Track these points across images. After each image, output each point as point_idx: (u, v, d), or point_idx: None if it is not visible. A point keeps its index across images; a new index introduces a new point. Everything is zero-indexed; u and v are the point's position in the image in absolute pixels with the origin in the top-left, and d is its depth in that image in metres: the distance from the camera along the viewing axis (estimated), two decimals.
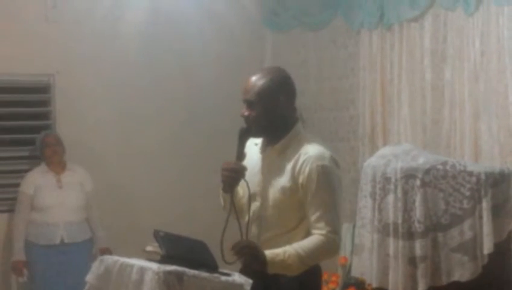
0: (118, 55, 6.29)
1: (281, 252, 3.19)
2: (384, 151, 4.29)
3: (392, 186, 3.95)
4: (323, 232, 3.18)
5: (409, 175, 3.92)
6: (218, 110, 6.32)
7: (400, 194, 3.91)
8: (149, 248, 3.52)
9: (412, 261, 3.90)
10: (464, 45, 5.55)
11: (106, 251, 5.65)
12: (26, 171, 5.98)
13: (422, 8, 5.73)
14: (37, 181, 5.78)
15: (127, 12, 6.24)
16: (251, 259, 3.22)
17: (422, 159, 3.99)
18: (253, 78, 3.32)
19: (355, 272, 4.24)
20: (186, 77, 6.33)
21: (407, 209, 3.91)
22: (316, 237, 3.20)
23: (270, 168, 3.36)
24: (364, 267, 4.14)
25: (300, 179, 3.23)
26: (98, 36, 6.21)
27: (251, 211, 3.39)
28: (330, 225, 3.17)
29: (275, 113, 3.30)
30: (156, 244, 3.47)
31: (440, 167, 3.91)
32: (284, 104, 3.32)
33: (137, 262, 3.33)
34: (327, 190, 3.20)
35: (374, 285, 4.03)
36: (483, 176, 3.84)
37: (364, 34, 6.27)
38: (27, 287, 5.79)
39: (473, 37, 5.49)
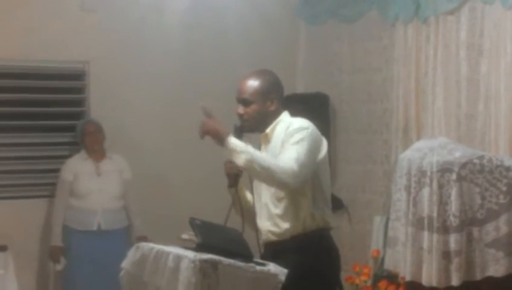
0: (154, 43, 6.30)
1: (245, 145, 3.54)
2: (420, 144, 4.26)
3: (427, 180, 3.93)
4: (288, 159, 3.50)
5: (445, 169, 3.89)
6: None
7: (435, 187, 3.88)
8: (185, 236, 3.55)
9: (446, 255, 3.87)
10: (501, 38, 5.49)
11: (143, 239, 5.69)
12: (64, 157, 6.05)
13: (459, 1, 5.68)
14: (77, 168, 5.85)
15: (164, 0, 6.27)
16: (214, 133, 3.55)
17: (459, 153, 3.96)
18: (248, 80, 3.74)
19: (388, 265, 4.22)
20: (224, 66, 6.35)
21: (443, 203, 3.88)
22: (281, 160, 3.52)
23: (268, 153, 3.69)
24: (397, 260, 4.12)
25: (284, 138, 3.61)
26: (134, 24, 6.22)
27: (261, 201, 3.72)
28: (296, 159, 3.50)
29: (267, 111, 3.72)
30: (192, 232, 3.50)
31: (477, 161, 3.88)
32: (275, 102, 3.73)
33: (173, 250, 3.37)
34: (301, 141, 3.56)
35: (407, 278, 4.01)
36: None
37: (400, 26, 6.23)
38: (63, 273, 5.83)
39: (511, 31, 5.43)
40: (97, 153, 5.92)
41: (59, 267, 5.78)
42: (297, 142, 3.57)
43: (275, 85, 3.77)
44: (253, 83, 3.72)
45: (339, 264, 3.82)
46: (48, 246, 5.88)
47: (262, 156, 3.57)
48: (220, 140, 3.53)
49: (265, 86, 3.73)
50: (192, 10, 6.38)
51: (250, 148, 3.52)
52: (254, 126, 3.75)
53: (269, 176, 3.51)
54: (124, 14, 6.20)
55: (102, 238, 5.72)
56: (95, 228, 5.80)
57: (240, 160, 3.50)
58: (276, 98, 3.75)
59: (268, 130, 3.75)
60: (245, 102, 3.72)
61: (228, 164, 3.66)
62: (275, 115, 3.75)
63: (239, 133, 3.70)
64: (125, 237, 5.90)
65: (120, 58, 6.21)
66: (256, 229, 3.77)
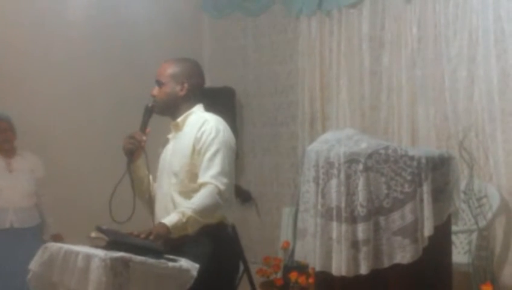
0: (58, 37, 6.16)
1: (176, 215, 3.52)
2: (327, 136, 4.30)
3: (335, 171, 3.96)
4: (209, 181, 3.59)
5: (352, 160, 3.93)
6: None
7: (343, 178, 3.92)
8: (94, 234, 3.50)
9: (354, 244, 3.91)
10: (402, 31, 5.64)
11: (58, 237, 5.57)
12: None
13: None
14: None
15: None
16: (160, 235, 3.49)
17: (365, 144, 4.01)
18: (166, 63, 3.84)
19: (299, 256, 4.24)
20: (129, 61, 6.28)
21: (350, 194, 3.92)
22: (204, 188, 3.59)
23: (176, 143, 3.78)
24: (307, 251, 4.14)
25: (198, 136, 3.67)
26: (36, 16, 6.06)
27: (164, 189, 3.75)
28: (218, 176, 3.60)
29: (177, 95, 3.77)
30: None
31: (382, 151, 3.93)
32: (188, 90, 3.78)
33: (83, 249, 3.31)
34: (215, 146, 3.64)
35: (317, 269, 4.03)
36: (423, 160, 3.88)
37: (303, 19, 6.31)
38: None
39: (411, 24, 5.58)
40: (7, 150, 5.75)
41: None
42: (217, 152, 3.64)
43: (189, 73, 3.82)
44: (168, 66, 3.81)
45: (238, 254, 4.00)
46: None
47: (193, 202, 3.57)
48: (167, 233, 3.51)
49: (179, 71, 3.80)
50: (96, 3, 6.29)
51: (181, 211, 3.53)
52: (163, 108, 3.80)
53: (209, 213, 3.60)
54: (25, 5, 6.03)
55: (15, 236, 5.55)
56: (7, 225, 5.63)
57: (188, 225, 3.53)
58: (189, 87, 3.80)
59: (179, 120, 3.80)
60: (158, 83, 3.80)
61: (125, 140, 3.74)
62: (186, 103, 3.80)
63: (149, 114, 3.79)
64: (37, 235, 5.74)
65: (22, 52, 6.03)
66: (152, 212, 3.84)
